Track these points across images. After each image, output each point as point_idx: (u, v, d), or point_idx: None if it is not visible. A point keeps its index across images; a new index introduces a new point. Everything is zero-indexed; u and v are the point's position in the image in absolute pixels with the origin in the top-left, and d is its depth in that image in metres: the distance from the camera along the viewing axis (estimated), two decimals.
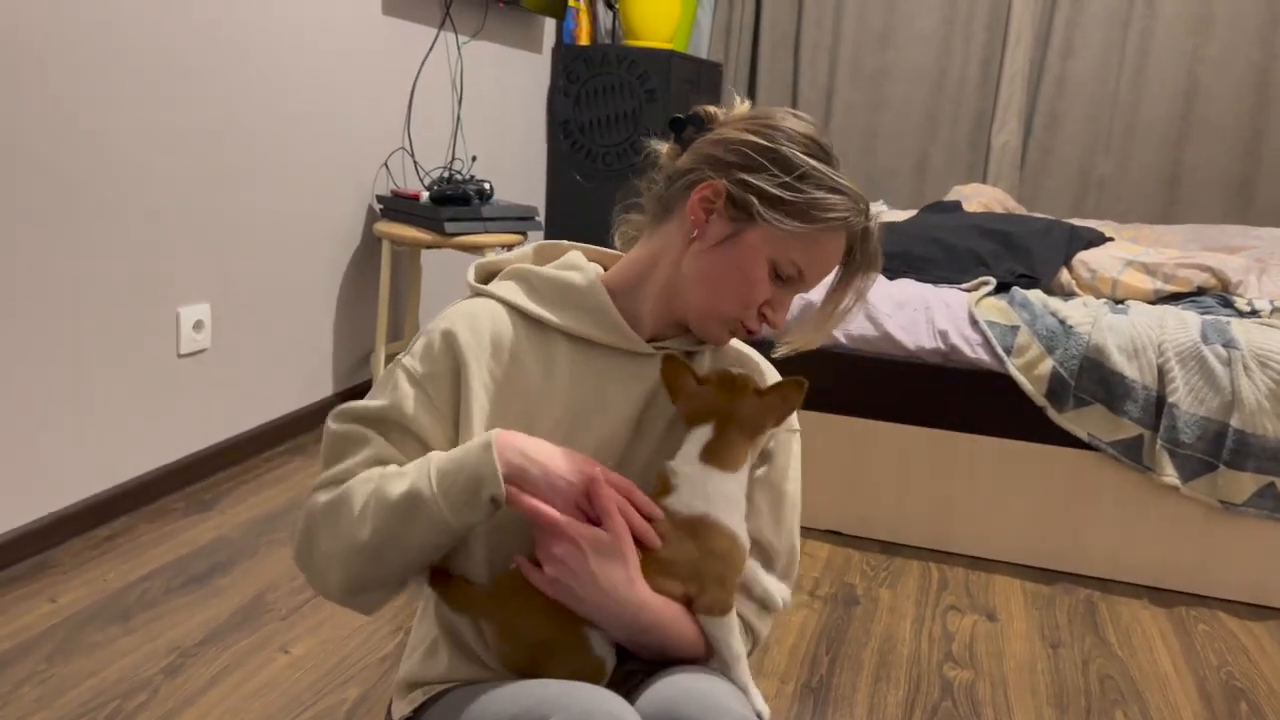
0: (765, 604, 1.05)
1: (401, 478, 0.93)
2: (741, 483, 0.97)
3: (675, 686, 0.94)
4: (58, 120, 2.01)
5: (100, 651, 1.76)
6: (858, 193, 0.99)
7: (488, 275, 1.11)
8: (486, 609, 0.96)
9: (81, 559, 2.08)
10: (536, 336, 1.03)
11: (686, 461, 0.96)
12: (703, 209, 1.00)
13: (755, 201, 0.97)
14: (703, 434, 0.96)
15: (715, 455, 0.96)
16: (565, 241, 1.14)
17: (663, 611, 0.95)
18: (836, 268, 1.03)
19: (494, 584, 0.97)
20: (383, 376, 1.01)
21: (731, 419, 0.96)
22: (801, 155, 0.97)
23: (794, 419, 1.11)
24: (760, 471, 1.07)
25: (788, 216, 0.96)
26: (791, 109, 1.04)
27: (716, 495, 0.95)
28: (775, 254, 0.98)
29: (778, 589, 1.06)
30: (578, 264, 1.06)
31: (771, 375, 1.12)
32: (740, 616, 1.02)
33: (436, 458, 0.93)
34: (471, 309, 1.02)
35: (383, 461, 0.96)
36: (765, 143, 0.98)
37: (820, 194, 0.97)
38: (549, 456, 0.93)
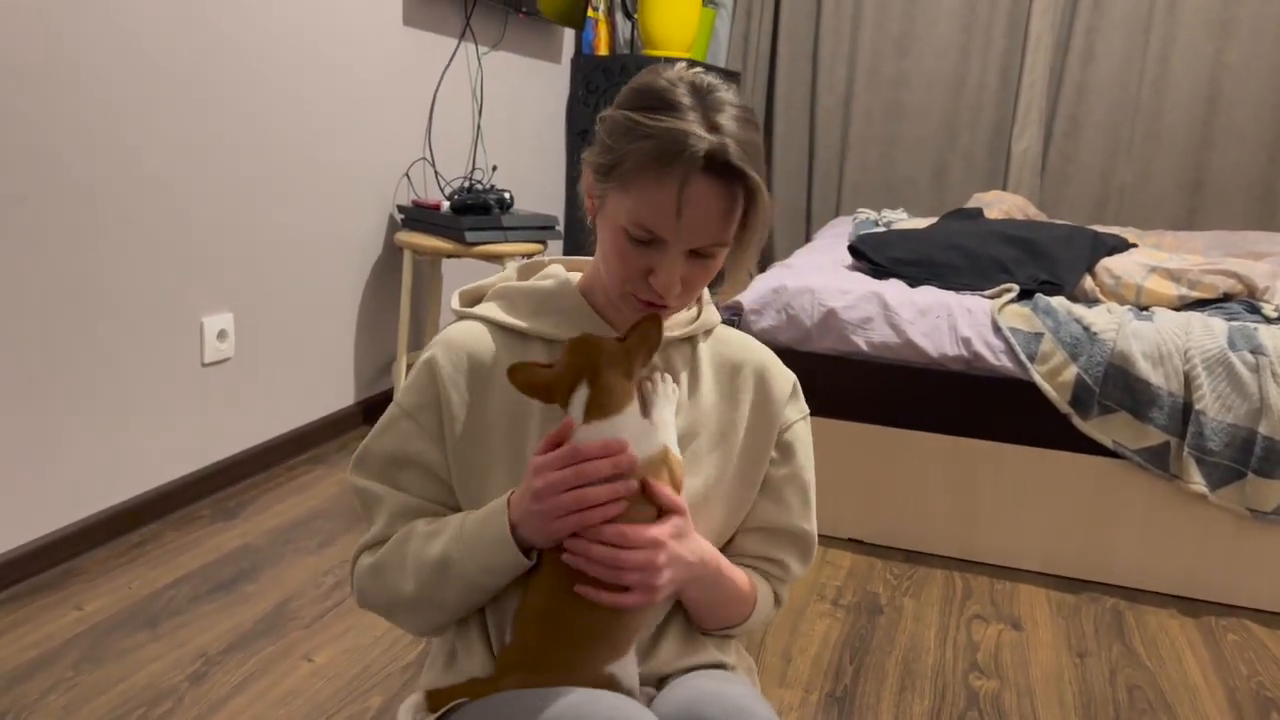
0: (786, 580, 1.15)
1: (435, 539, 0.99)
2: (635, 414, 0.96)
3: (696, 689, 0.94)
4: (85, 132, 2.03)
5: (127, 659, 1.77)
6: (675, 129, 0.90)
7: (473, 299, 1.15)
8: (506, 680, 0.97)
9: (108, 567, 2.10)
10: (517, 348, 1.05)
11: (579, 428, 0.94)
12: (588, 194, 1.02)
13: (591, 174, 0.99)
14: (580, 396, 0.95)
15: (600, 407, 0.94)
16: (549, 258, 1.17)
17: (720, 556, 1.05)
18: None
19: (499, 666, 0.99)
20: (383, 417, 1.07)
21: (599, 370, 0.95)
22: (621, 113, 0.95)
23: (802, 402, 1.14)
24: (785, 470, 1.11)
25: (608, 180, 0.96)
26: (670, 63, 1.00)
27: (626, 436, 0.95)
28: (623, 220, 0.95)
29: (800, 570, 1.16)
30: (553, 273, 1.09)
31: (772, 365, 1.12)
32: (775, 593, 1.14)
33: (467, 523, 0.98)
34: (450, 334, 1.07)
35: (404, 511, 1.04)
36: (603, 112, 0.99)
37: (630, 146, 0.92)
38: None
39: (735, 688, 0.96)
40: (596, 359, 0.95)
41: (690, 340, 1.09)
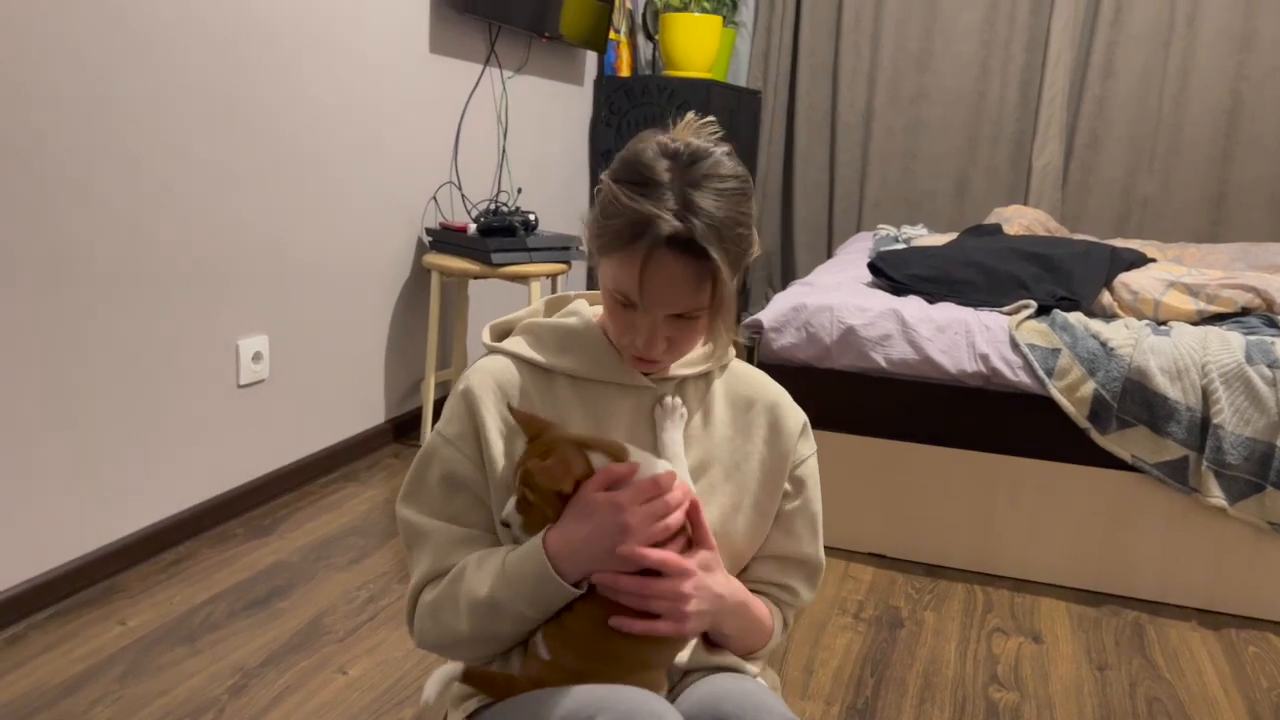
0: (794, 606, 1.21)
1: (482, 578, 1.03)
2: (639, 453, 1.03)
3: (715, 686, 1.00)
4: (123, 160, 2.11)
5: (168, 672, 1.83)
6: (643, 213, 0.96)
7: (502, 333, 1.21)
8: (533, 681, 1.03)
9: (149, 583, 2.17)
10: (543, 383, 1.11)
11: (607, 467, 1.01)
12: (589, 252, 1.09)
13: (587, 237, 1.06)
14: (596, 457, 1.01)
15: (616, 454, 1.01)
16: (574, 292, 1.23)
17: (744, 589, 1.10)
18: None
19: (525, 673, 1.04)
20: (424, 447, 1.12)
21: (568, 438, 1.00)
22: (610, 184, 1.01)
23: (812, 439, 1.19)
24: (797, 502, 1.17)
25: (596, 246, 1.03)
26: (663, 131, 1.04)
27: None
28: (608, 284, 1.03)
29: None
30: (578, 310, 1.14)
31: (783, 402, 1.18)
32: (784, 619, 1.20)
33: (508, 561, 1.03)
34: (483, 366, 1.12)
35: (453, 543, 1.08)
36: (603, 175, 1.05)
37: (607, 221, 1.00)
38: (579, 523, 1.00)
39: (753, 685, 1.01)
40: (555, 437, 1.00)
41: (705, 376, 1.15)
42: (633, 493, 0.97)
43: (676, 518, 0.99)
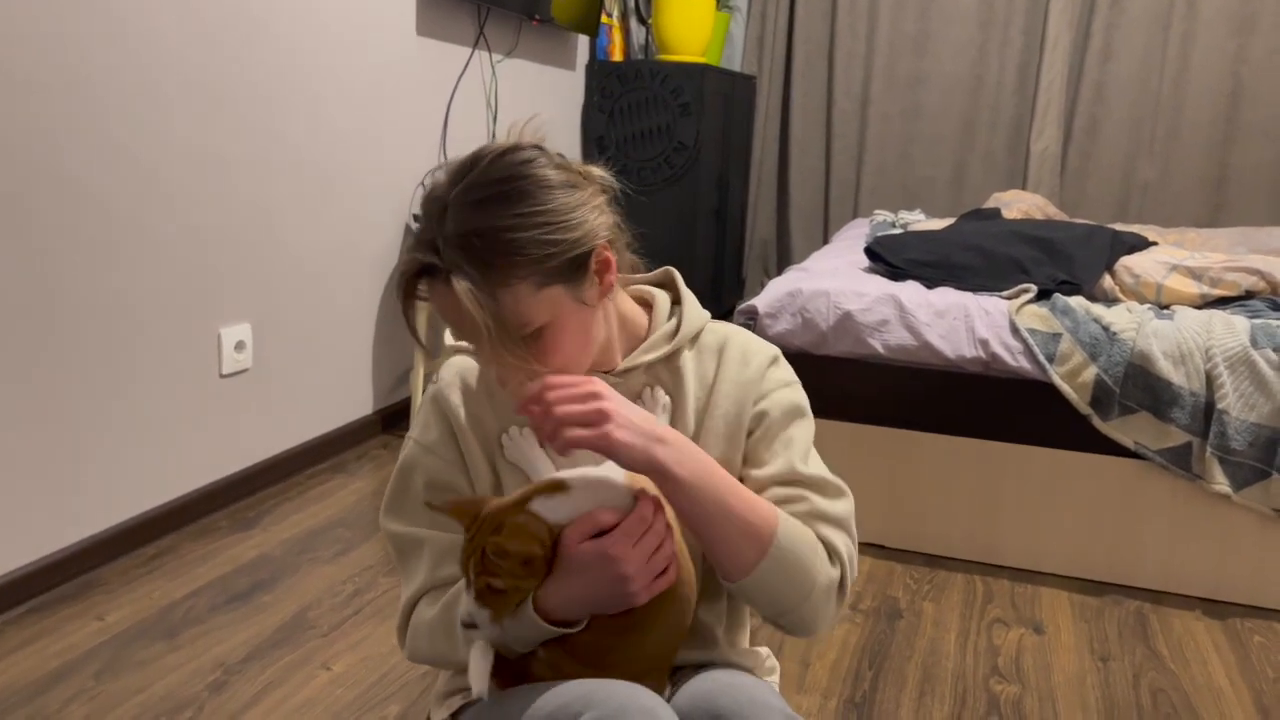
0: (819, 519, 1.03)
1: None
2: (584, 480, 0.95)
3: (713, 681, 0.96)
4: (102, 146, 2.06)
5: (147, 669, 1.78)
6: (410, 249, 0.93)
7: None
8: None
9: (128, 577, 2.11)
10: None
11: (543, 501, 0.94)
12: None
13: None
14: (539, 502, 0.93)
15: (554, 488, 0.94)
16: None
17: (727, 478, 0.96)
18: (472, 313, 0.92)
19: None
20: (402, 458, 1.09)
21: (495, 508, 0.93)
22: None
23: (784, 372, 1.10)
24: (760, 432, 1.06)
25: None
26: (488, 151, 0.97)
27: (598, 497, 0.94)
28: None
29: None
30: None
31: (752, 340, 1.10)
32: (822, 539, 1.00)
33: (506, 624, 0.99)
34: (451, 365, 1.10)
35: (448, 550, 1.05)
36: None
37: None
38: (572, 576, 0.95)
39: (750, 680, 0.98)
40: (492, 510, 0.92)
41: (674, 355, 1.07)
42: (621, 537, 0.90)
43: (669, 545, 0.93)
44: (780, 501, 1.01)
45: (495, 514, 0.90)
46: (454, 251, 0.90)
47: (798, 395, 1.09)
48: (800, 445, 1.05)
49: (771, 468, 1.03)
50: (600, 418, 0.87)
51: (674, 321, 1.09)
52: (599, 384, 0.90)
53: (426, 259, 0.91)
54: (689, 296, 1.12)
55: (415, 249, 0.92)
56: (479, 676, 0.93)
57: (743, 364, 1.08)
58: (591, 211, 0.95)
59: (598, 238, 0.95)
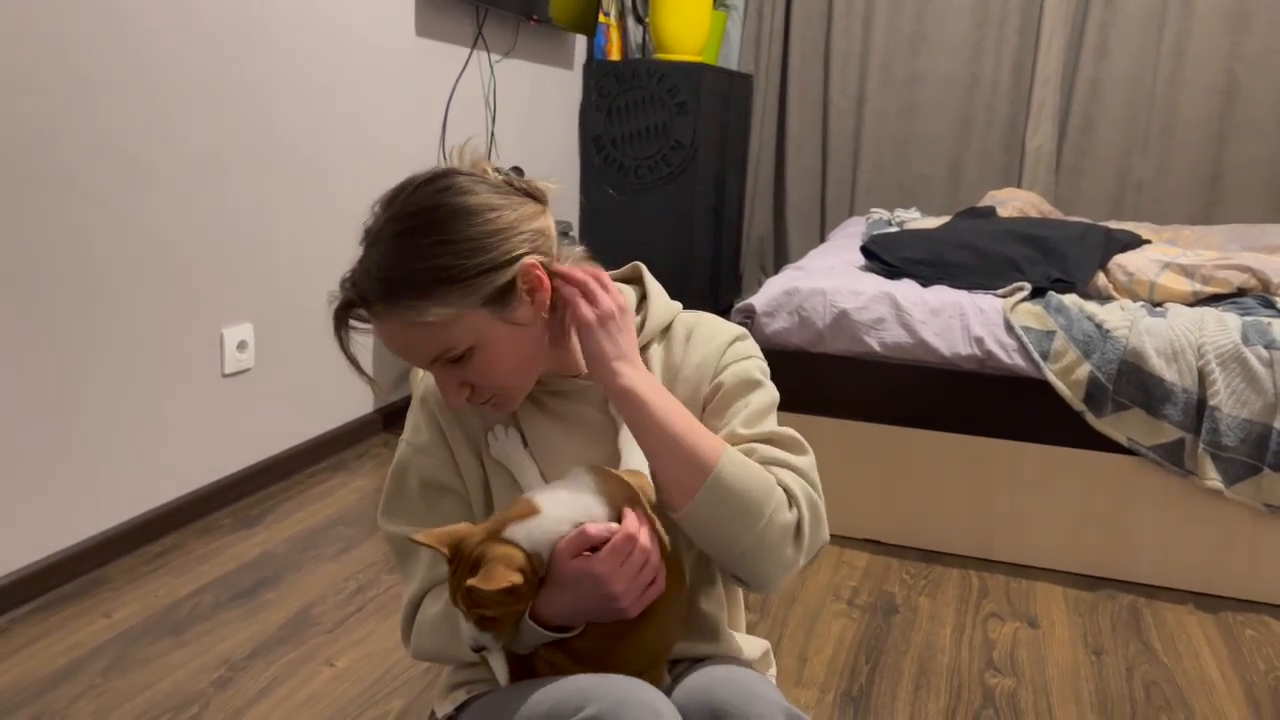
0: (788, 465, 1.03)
1: None
2: (551, 506, 0.97)
3: (711, 675, 0.98)
4: (102, 146, 2.07)
5: (153, 665, 1.80)
6: (339, 294, 0.98)
7: None
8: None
9: (134, 575, 2.14)
10: None
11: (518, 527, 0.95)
12: None
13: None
14: (513, 528, 0.95)
15: (522, 512, 0.96)
16: None
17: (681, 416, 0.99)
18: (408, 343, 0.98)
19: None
20: (396, 461, 1.11)
21: (476, 537, 0.95)
22: None
23: (746, 345, 1.11)
24: (717, 402, 1.07)
25: None
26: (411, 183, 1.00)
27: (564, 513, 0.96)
28: None
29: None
30: None
31: (719, 322, 1.13)
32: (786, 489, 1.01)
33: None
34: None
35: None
36: None
37: None
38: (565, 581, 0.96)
39: (748, 674, 0.99)
40: (469, 546, 0.94)
41: (641, 350, 1.09)
42: (608, 557, 0.91)
43: (655, 557, 0.94)
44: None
45: (471, 552, 0.92)
46: (374, 285, 0.94)
47: (755, 368, 1.09)
48: (756, 408, 1.06)
49: (725, 430, 1.04)
50: (595, 308, 0.98)
51: (639, 317, 1.11)
52: (606, 278, 1.01)
53: (349, 295, 0.96)
54: (655, 290, 1.13)
55: (343, 284, 0.97)
56: (501, 672, 0.99)
57: (706, 343, 1.10)
58: (516, 232, 0.96)
59: (524, 257, 0.96)
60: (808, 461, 1.04)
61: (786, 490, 0.99)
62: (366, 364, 3.02)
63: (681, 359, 1.10)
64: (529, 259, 0.97)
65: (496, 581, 0.88)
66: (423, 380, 1.13)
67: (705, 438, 0.97)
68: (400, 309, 0.94)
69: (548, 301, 1.00)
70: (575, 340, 1.06)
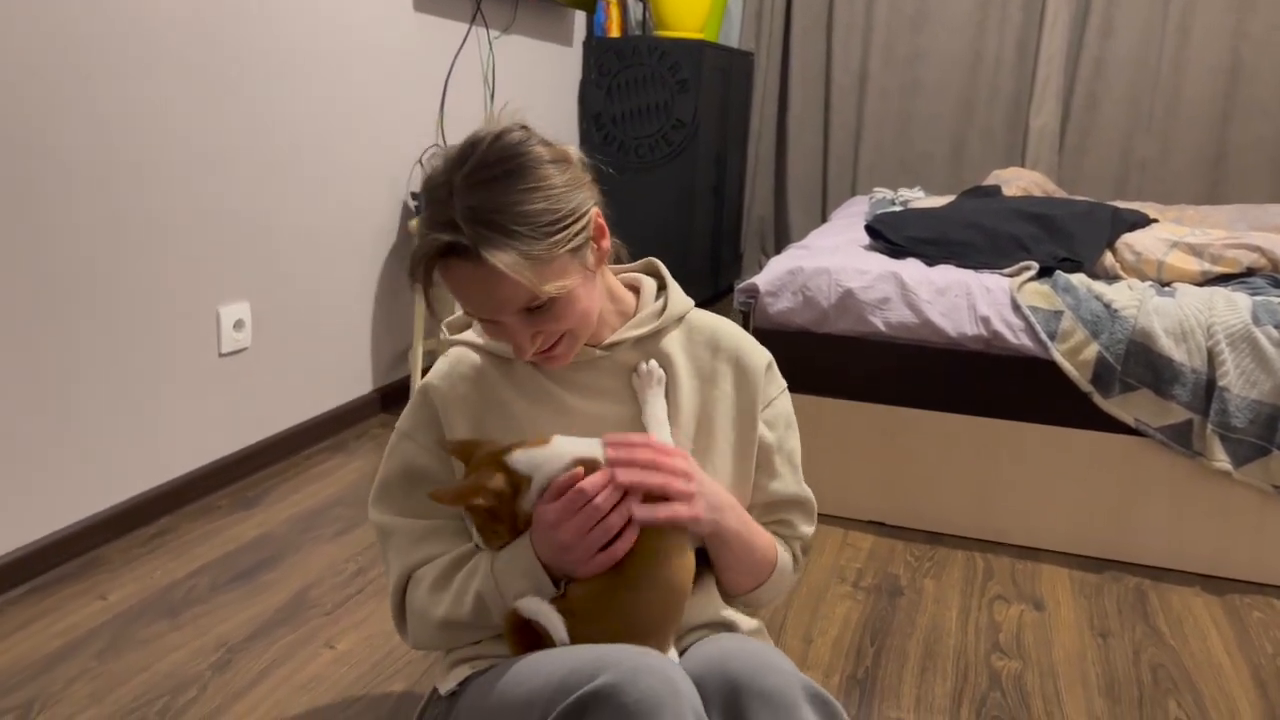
0: (804, 549, 1.25)
1: (471, 577, 1.06)
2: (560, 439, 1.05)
3: (722, 645, 1.00)
4: (98, 125, 2.04)
5: (150, 647, 1.78)
6: (422, 233, 0.97)
7: (461, 326, 1.23)
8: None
9: (130, 557, 2.11)
10: (504, 366, 1.13)
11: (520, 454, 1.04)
12: None
13: None
14: (514, 455, 1.03)
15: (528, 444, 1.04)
16: None
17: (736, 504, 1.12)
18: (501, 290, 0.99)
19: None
20: (387, 450, 1.17)
21: (486, 452, 1.04)
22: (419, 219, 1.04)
23: (779, 377, 1.22)
24: (772, 441, 1.18)
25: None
26: (474, 138, 1.02)
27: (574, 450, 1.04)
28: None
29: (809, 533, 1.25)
30: None
31: (745, 345, 1.19)
32: (792, 553, 1.23)
33: (496, 563, 1.05)
34: (444, 361, 1.16)
35: (414, 539, 1.12)
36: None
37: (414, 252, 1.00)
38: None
39: (759, 644, 1.02)
40: (479, 456, 1.03)
41: (658, 334, 1.14)
42: (559, 508, 0.97)
43: (614, 518, 0.97)
44: (776, 510, 1.20)
45: (475, 462, 1.02)
46: (475, 228, 0.94)
47: (790, 402, 1.24)
48: (797, 458, 1.23)
49: (778, 484, 1.19)
50: (687, 496, 1.01)
51: (660, 302, 1.17)
52: (690, 461, 1.04)
53: (451, 238, 0.94)
54: (672, 283, 1.21)
55: (433, 230, 0.95)
56: (558, 628, 1.00)
57: (740, 370, 1.17)
58: (583, 183, 1.04)
59: (590, 206, 1.03)
60: (813, 526, 1.24)
61: (797, 561, 1.23)
62: (363, 344, 2.99)
63: (711, 366, 1.15)
64: (594, 209, 1.02)
65: (463, 497, 0.98)
66: (433, 373, 1.15)
67: (763, 544, 1.15)
68: (488, 255, 0.93)
69: (608, 248, 1.06)
70: (605, 304, 1.13)
